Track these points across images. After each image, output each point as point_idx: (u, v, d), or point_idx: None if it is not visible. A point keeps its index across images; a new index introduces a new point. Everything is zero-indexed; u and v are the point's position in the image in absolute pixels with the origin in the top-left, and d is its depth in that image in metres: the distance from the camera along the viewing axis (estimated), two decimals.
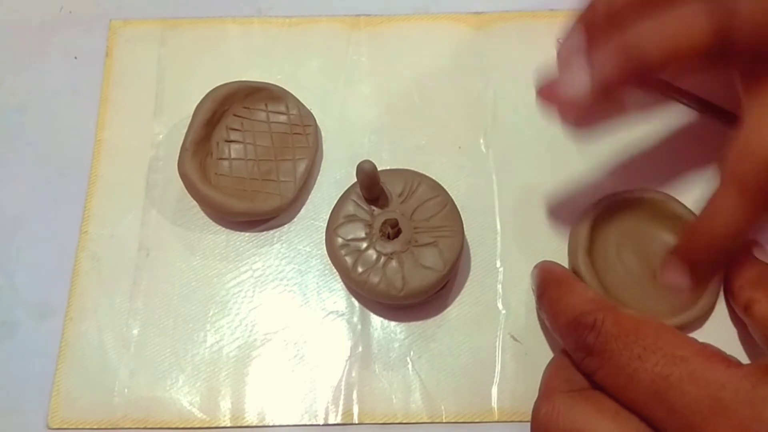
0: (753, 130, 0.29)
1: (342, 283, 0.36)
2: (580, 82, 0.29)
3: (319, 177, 0.38)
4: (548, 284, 0.31)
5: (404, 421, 0.33)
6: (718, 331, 0.34)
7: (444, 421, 0.33)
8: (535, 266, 0.33)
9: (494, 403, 0.33)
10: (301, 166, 0.37)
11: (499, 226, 0.37)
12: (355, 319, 0.35)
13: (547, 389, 0.28)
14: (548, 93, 0.30)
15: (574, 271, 0.34)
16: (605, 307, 0.27)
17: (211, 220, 0.37)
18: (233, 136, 0.37)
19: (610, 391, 0.25)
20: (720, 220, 0.30)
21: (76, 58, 0.41)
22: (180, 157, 0.36)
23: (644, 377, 0.24)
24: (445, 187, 0.34)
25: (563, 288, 0.29)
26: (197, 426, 0.34)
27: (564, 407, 0.25)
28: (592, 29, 0.30)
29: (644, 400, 0.24)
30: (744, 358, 0.33)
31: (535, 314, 0.35)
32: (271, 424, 0.34)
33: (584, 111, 0.30)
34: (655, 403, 0.24)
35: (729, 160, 0.29)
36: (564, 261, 0.35)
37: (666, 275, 0.32)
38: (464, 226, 0.34)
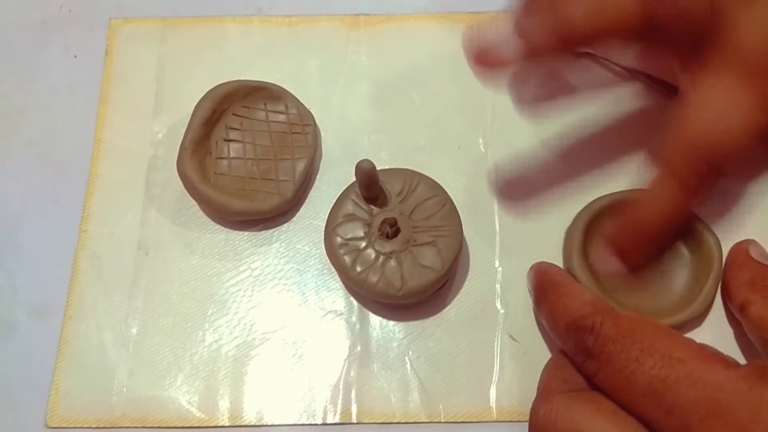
0: (688, 117, 0.30)
1: (341, 282, 0.36)
2: (509, 50, 0.30)
3: (318, 176, 0.38)
4: (545, 287, 0.31)
5: (402, 421, 0.33)
6: (716, 330, 0.34)
7: (442, 420, 0.33)
8: (531, 268, 0.33)
9: (493, 403, 0.33)
10: (300, 166, 0.37)
11: (497, 226, 0.37)
12: (354, 319, 0.35)
13: (546, 390, 0.28)
14: (481, 57, 0.30)
15: (570, 272, 0.34)
16: (603, 309, 0.27)
17: (210, 220, 0.37)
18: (232, 135, 0.37)
19: (608, 392, 0.25)
20: (656, 208, 0.31)
21: (75, 57, 0.41)
22: (179, 156, 0.36)
23: (642, 379, 0.24)
24: (444, 187, 0.34)
25: (561, 291, 0.29)
26: (196, 425, 0.34)
27: (562, 408, 0.25)
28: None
29: (642, 401, 0.24)
30: (741, 358, 0.33)
31: (534, 314, 0.35)
32: (269, 423, 0.34)
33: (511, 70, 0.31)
34: (652, 405, 0.24)
35: (666, 147, 0.30)
36: (562, 261, 0.35)
37: (599, 262, 0.33)
38: (463, 225, 0.34)
